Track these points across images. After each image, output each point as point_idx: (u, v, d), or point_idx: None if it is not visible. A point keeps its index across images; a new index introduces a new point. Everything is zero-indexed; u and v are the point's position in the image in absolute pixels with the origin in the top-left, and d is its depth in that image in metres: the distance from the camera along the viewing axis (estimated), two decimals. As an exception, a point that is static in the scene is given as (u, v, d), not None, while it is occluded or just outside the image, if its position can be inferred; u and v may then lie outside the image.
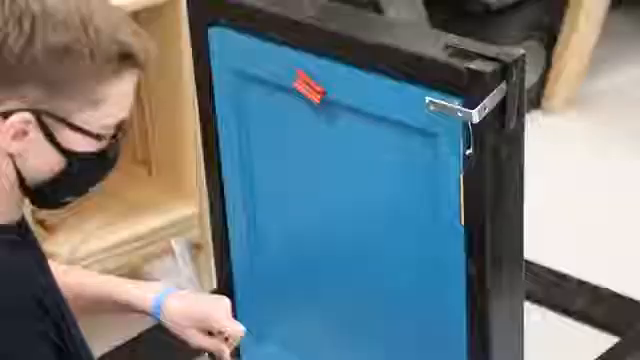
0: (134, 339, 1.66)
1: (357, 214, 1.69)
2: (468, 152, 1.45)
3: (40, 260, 1.31)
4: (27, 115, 1.16)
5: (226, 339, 1.52)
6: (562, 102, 3.11)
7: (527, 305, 1.63)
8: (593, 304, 2.28)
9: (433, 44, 1.48)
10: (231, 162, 1.84)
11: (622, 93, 3.16)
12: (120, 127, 1.24)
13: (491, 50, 1.44)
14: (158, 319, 1.48)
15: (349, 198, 1.69)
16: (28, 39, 1.13)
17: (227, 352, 1.52)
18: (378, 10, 2.85)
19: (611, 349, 1.97)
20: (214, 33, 1.73)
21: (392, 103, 1.53)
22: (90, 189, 1.28)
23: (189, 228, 2.27)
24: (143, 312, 1.48)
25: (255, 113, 1.74)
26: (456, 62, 1.44)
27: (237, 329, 1.53)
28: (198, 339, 1.49)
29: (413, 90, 1.49)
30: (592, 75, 3.16)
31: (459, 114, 1.42)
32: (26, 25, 1.14)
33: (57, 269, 1.41)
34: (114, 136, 1.24)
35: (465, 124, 1.44)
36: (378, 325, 1.73)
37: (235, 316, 1.94)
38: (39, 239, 1.34)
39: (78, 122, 1.18)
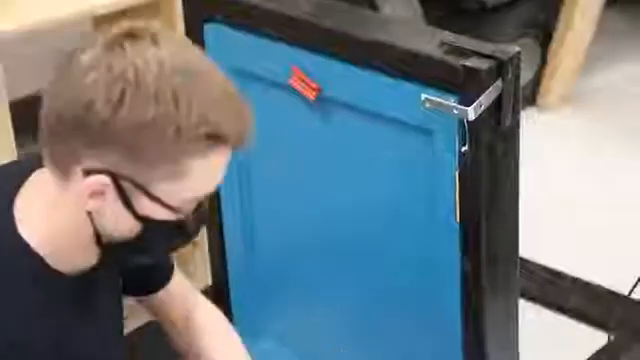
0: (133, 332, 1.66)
1: (353, 211, 1.69)
2: (464, 149, 1.45)
3: (88, 306, 1.26)
4: (105, 178, 1.13)
5: None
6: (557, 99, 3.12)
7: (522, 302, 1.63)
8: (588, 302, 2.29)
9: (429, 41, 1.48)
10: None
11: (617, 90, 3.16)
12: (205, 200, 1.19)
13: (487, 48, 1.44)
14: None
15: (344, 194, 1.69)
16: (115, 106, 1.10)
17: None
18: (374, 7, 2.85)
19: (605, 346, 1.97)
20: (210, 29, 1.72)
21: (388, 100, 1.53)
22: (168, 254, 1.27)
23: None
24: None
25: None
26: (452, 59, 1.43)
27: None
28: None
29: (409, 87, 1.49)
30: (587, 72, 3.16)
31: (455, 111, 1.42)
32: (116, 92, 1.10)
33: (217, 327, 1.46)
34: (196, 209, 1.19)
35: (461, 121, 1.44)
36: (373, 320, 1.73)
37: (231, 313, 1.95)
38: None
39: (157, 192, 1.14)
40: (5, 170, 1.31)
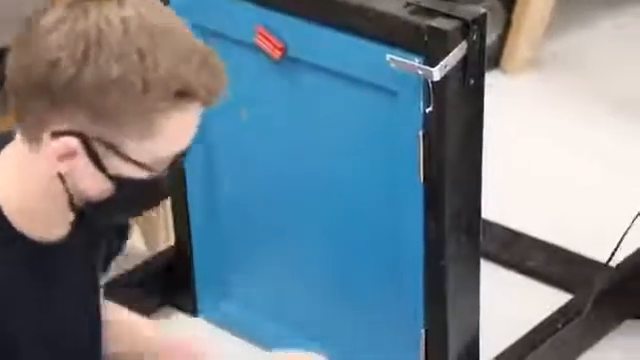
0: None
1: (317, 170, 1.69)
2: (428, 110, 1.46)
3: (55, 275, 1.24)
4: (73, 140, 1.12)
5: None
6: (522, 62, 3.12)
7: (481, 262, 1.65)
8: (547, 262, 2.31)
9: (395, 1, 1.48)
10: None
11: (582, 53, 3.17)
12: (177, 158, 1.17)
13: (452, 8, 1.45)
14: None
15: (308, 154, 1.69)
16: (79, 64, 1.08)
17: None
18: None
19: (564, 306, 1.99)
20: (174, -13, 1.71)
21: (353, 60, 1.53)
22: (144, 212, 1.24)
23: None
24: None
25: (215, 68, 1.73)
26: (417, 20, 1.44)
27: None
28: None
29: (374, 47, 1.49)
30: (553, 35, 3.17)
31: (420, 72, 1.43)
32: (79, 50, 1.08)
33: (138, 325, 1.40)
34: (171, 166, 1.17)
35: (425, 82, 1.44)
36: (337, 281, 1.74)
37: (193, 274, 1.95)
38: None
39: (128, 151, 1.12)
40: None
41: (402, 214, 1.56)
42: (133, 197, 1.18)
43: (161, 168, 1.17)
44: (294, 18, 1.58)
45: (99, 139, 1.12)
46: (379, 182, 1.57)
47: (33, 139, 1.14)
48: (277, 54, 1.61)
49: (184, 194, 1.91)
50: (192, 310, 1.96)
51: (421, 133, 1.48)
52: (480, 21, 1.45)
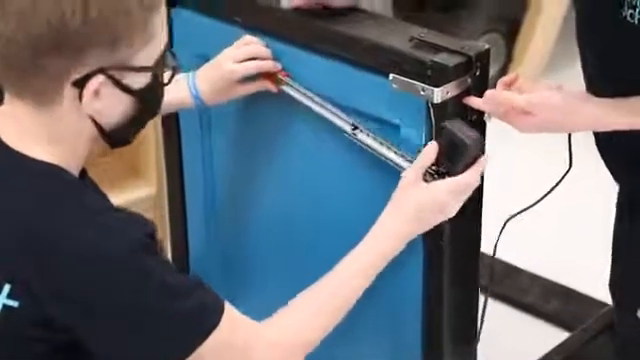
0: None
1: (315, 198, 1.69)
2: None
3: None
4: (100, 76, 1.22)
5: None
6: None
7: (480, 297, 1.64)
8: (545, 298, 2.30)
9: (399, 36, 1.48)
10: (191, 143, 1.83)
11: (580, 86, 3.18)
12: (163, 55, 1.29)
13: (456, 43, 1.44)
14: (197, 93, 1.60)
15: (307, 182, 1.69)
16: (83, 10, 1.18)
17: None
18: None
19: (561, 344, 1.98)
20: (176, 15, 1.71)
21: (355, 93, 1.53)
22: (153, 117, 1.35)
23: (146, 208, 2.26)
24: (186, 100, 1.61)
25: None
26: (421, 54, 1.43)
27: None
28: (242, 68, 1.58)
29: (377, 81, 1.48)
30: (554, 66, 3.17)
31: (422, 92, 1.42)
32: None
33: None
34: (161, 63, 1.30)
35: (428, 117, 1.43)
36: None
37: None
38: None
39: (139, 62, 1.25)
40: None
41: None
42: (149, 104, 1.30)
43: (159, 67, 1.28)
44: (296, 48, 1.58)
45: (116, 65, 1.23)
46: (379, 210, 1.56)
47: (50, 101, 1.23)
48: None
49: (183, 217, 1.90)
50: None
51: (422, 168, 1.47)
52: (484, 57, 1.45)
